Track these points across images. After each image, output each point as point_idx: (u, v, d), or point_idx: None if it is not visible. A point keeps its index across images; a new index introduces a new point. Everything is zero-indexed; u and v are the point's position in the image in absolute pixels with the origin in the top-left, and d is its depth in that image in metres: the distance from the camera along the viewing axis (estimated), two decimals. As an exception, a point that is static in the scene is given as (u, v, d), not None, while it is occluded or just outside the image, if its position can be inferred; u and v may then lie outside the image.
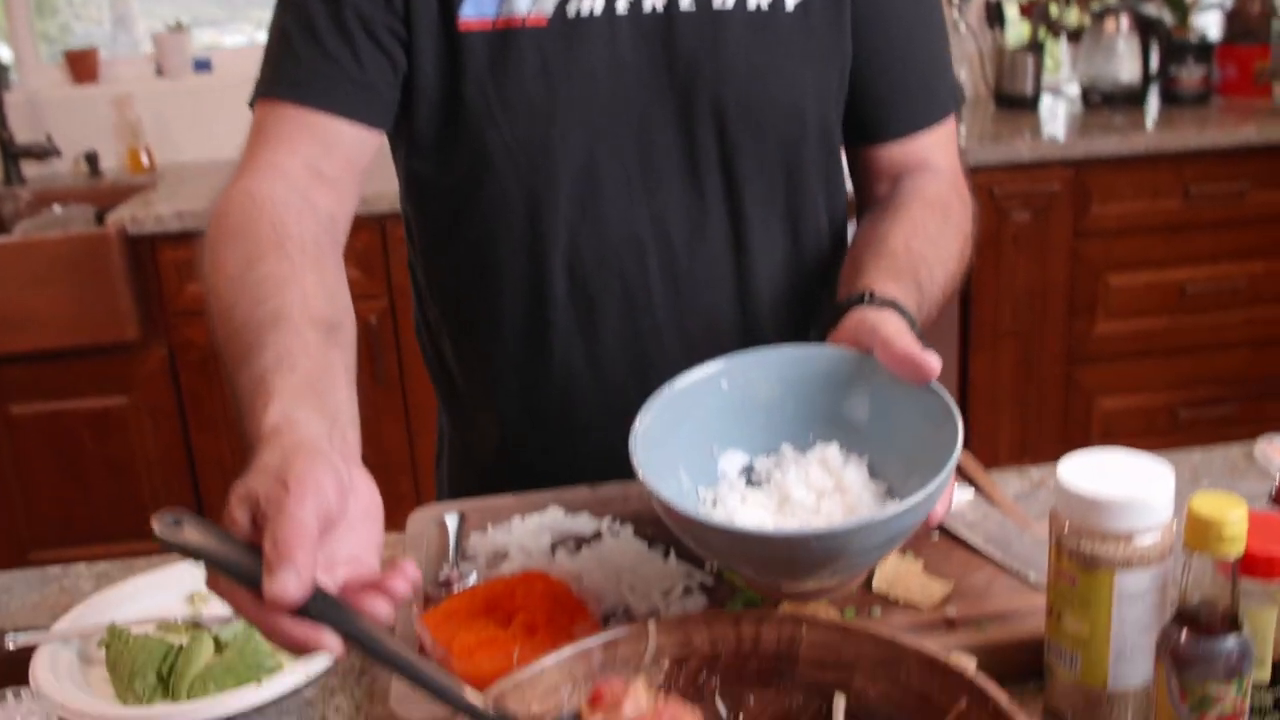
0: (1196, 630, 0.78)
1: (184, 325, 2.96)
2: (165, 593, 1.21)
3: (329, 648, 0.75)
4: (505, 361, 1.31)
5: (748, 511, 0.98)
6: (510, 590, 1.05)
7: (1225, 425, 3.16)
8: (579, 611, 1.01)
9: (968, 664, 0.81)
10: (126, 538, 3.10)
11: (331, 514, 0.77)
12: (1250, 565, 0.81)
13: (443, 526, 1.24)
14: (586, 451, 1.31)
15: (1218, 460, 1.32)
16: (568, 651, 0.84)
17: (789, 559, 0.89)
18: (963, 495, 1.19)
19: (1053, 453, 3.20)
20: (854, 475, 0.99)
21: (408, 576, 0.79)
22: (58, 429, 3.01)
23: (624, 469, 0.98)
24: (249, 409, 0.87)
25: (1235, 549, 0.76)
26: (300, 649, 0.76)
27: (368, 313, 2.91)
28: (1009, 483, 1.32)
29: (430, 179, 1.27)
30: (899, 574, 1.06)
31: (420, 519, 1.27)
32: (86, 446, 3.03)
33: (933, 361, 0.93)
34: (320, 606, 0.75)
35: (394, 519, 1.25)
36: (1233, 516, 0.75)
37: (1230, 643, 0.77)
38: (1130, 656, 0.88)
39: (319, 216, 1.11)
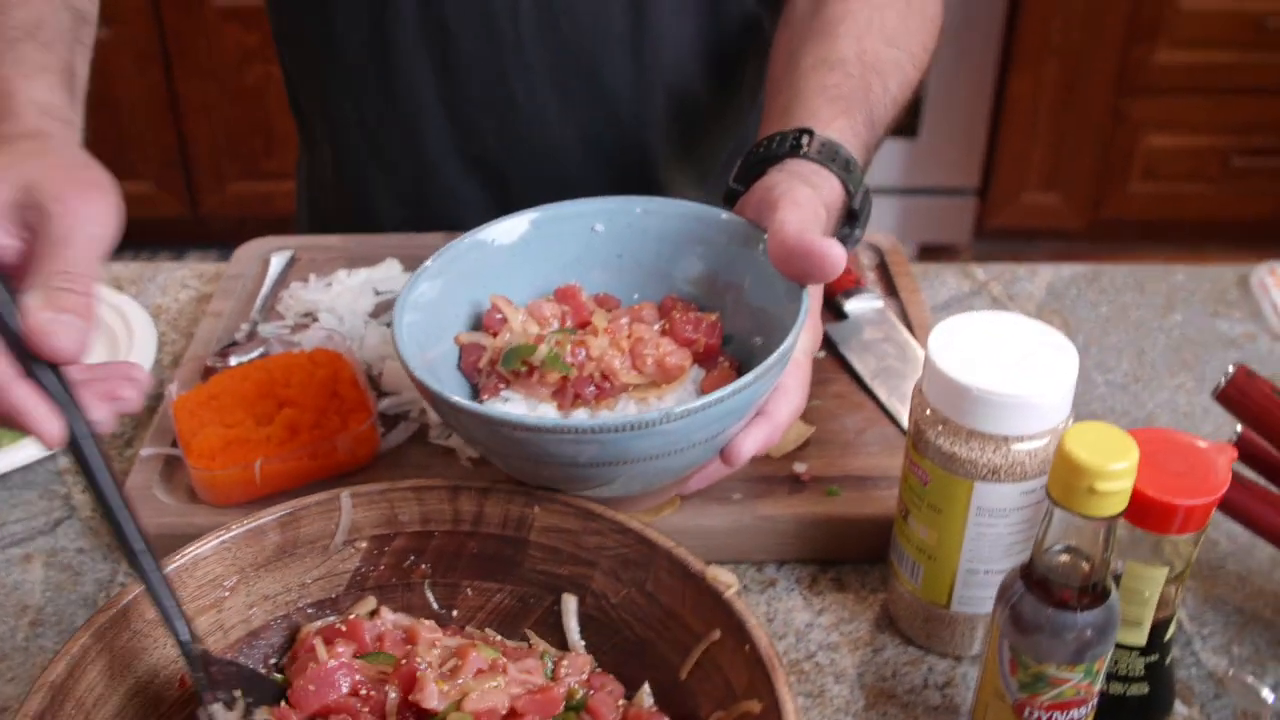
0: (1046, 596, 0.59)
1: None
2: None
3: (49, 435, 0.59)
4: (343, 86, 1.08)
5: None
6: (288, 371, 0.87)
7: (1280, 180, 2.87)
8: (359, 409, 0.84)
9: (728, 581, 0.64)
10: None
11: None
12: (1141, 512, 0.61)
13: (266, 266, 1.06)
14: (438, 202, 1.10)
15: (1205, 285, 1.09)
16: (233, 530, 0.66)
17: (556, 459, 0.65)
18: (868, 304, 0.98)
19: (1086, 189, 2.93)
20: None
21: (138, 383, 0.65)
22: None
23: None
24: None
25: (1109, 509, 0.56)
26: (13, 422, 0.59)
27: None
28: (943, 282, 1.10)
29: None
30: (758, 406, 0.88)
31: (248, 254, 1.08)
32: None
33: (833, 254, 0.67)
34: (55, 384, 0.60)
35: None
36: (1113, 467, 0.55)
37: (1087, 618, 0.59)
38: (983, 580, 0.70)
39: None
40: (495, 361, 0.73)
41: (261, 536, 0.67)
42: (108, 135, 2.91)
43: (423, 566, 0.70)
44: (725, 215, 0.77)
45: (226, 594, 0.66)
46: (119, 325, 1.02)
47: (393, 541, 0.70)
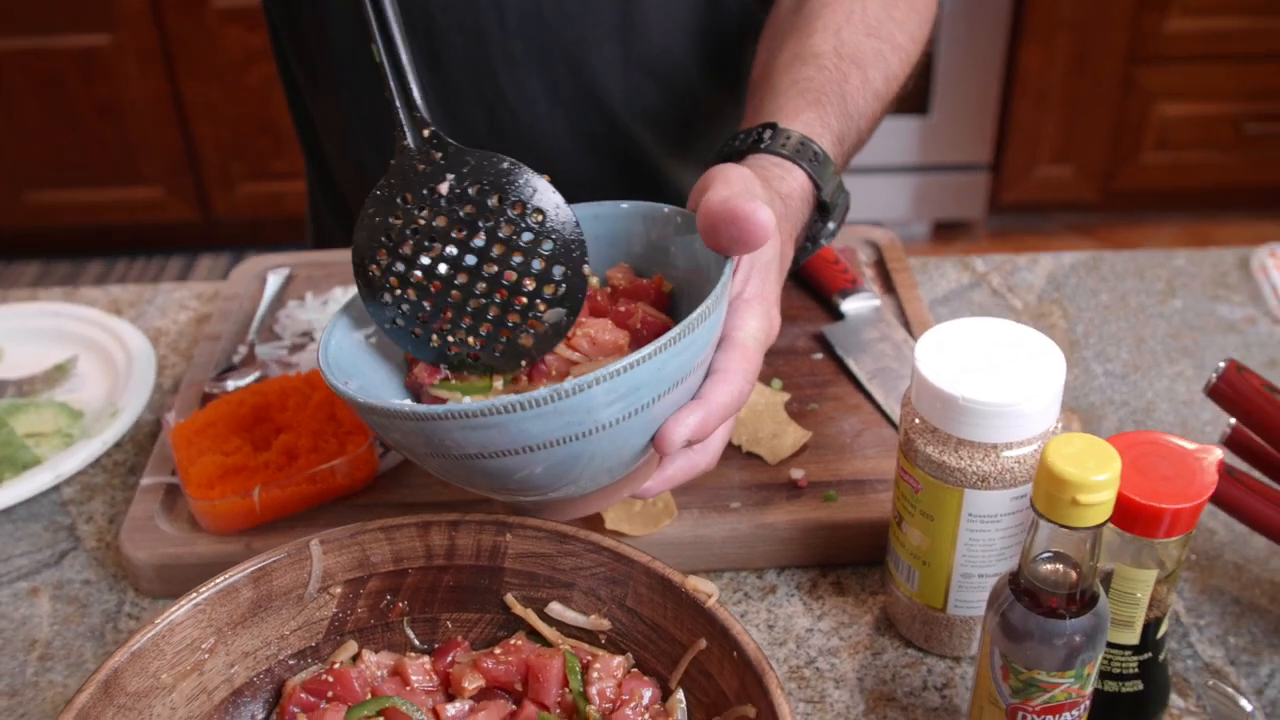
0: (1035, 604, 0.59)
1: (164, -43, 2.72)
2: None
3: None
4: (338, 82, 1.08)
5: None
6: (283, 395, 0.88)
7: (1294, 146, 2.84)
8: (356, 432, 0.84)
9: (708, 590, 0.64)
10: (118, 182, 2.99)
11: None
12: (1128, 517, 0.61)
13: (262, 285, 1.06)
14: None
15: (1205, 269, 1.08)
16: (205, 591, 0.65)
17: (458, 450, 0.61)
18: (865, 303, 0.98)
19: (1099, 161, 2.92)
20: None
21: None
22: (43, 68, 2.84)
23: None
24: None
25: (1093, 519, 0.56)
26: None
27: None
28: (943, 275, 1.10)
29: None
30: (752, 409, 0.88)
31: (244, 273, 1.09)
32: (73, 88, 2.88)
33: (759, 216, 0.62)
34: None
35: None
36: (1095, 479, 0.55)
37: (1076, 625, 0.59)
38: (977, 584, 0.70)
39: None
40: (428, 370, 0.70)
41: (234, 594, 0.66)
42: (114, 141, 2.94)
43: (400, 605, 0.70)
44: (668, 209, 0.73)
45: (206, 655, 0.65)
46: (117, 351, 1.02)
47: (367, 584, 0.69)
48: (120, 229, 3.13)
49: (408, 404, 0.62)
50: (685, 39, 1.05)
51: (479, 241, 0.67)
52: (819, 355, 0.94)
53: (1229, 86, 2.78)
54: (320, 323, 0.99)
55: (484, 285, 0.67)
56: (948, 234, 3.11)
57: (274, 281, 1.06)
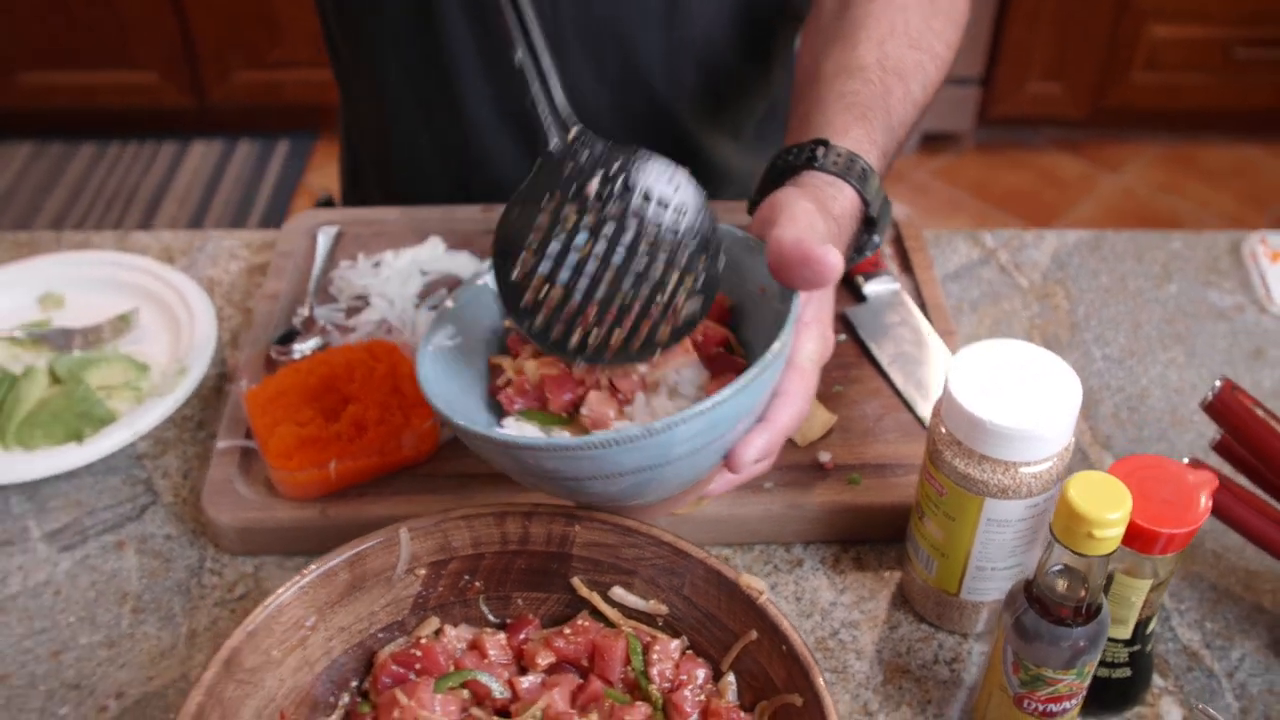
0: (1046, 612, 0.68)
1: None
2: (18, 290, 1.11)
3: None
4: (387, 41, 1.12)
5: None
6: (349, 367, 0.94)
7: (1282, 73, 2.89)
8: (420, 404, 0.91)
9: (760, 588, 0.72)
10: (112, 65, 2.98)
11: None
12: (1130, 535, 0.69)
13: (313, 243, 1.12)
14: (479, 157, 1.16)
15: (1199, 253, 1.15)
16: (308, 575, 0.73)
17: (554, 474, 0.69)
18: (886, 286, 1.05)
19: (1088, 79, 2.96)
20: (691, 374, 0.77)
21: None
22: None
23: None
24: None
25: (1104, 549, 0.64)
26: None
27: None
28: (955, 250, 1.16)
29: None
30: (784, 393, 0.95)
31: (295, 230, 1.14)
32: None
33: (828, 260, 0.69)
34: None
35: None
36: (1109, 516, 0.63)
37: (1080, 632, 0.68)
38: (990, 575, 0.79)
39: None
40: (511, 383, 0.77)
41: (333, 577, 0.74)
42: (108, 25, 2.92)
43: (477, 584, 0.78)
44: (740, 232, 0.79)
45: (309, 632, 0.73)
46: (178, 305, 1.08)
47: (448, 565, 0.77)
48: (114, 113, 3.12)
49: (510, 434, 0.71)
50: (725, 23, 1.10)
51: (628, 237, 0.72)
52: (843, 337, 1.01)
53: (1221, 10, 2.82)
54: (374, 286, 1.04)
55: (631, 279, 0.72)
56: (935, 145, 3.15)
57: (324, 240, 1.11)
